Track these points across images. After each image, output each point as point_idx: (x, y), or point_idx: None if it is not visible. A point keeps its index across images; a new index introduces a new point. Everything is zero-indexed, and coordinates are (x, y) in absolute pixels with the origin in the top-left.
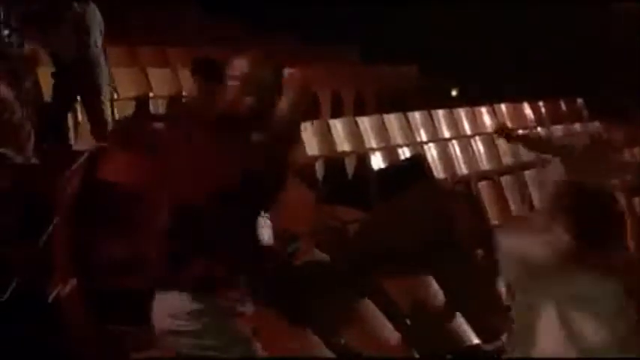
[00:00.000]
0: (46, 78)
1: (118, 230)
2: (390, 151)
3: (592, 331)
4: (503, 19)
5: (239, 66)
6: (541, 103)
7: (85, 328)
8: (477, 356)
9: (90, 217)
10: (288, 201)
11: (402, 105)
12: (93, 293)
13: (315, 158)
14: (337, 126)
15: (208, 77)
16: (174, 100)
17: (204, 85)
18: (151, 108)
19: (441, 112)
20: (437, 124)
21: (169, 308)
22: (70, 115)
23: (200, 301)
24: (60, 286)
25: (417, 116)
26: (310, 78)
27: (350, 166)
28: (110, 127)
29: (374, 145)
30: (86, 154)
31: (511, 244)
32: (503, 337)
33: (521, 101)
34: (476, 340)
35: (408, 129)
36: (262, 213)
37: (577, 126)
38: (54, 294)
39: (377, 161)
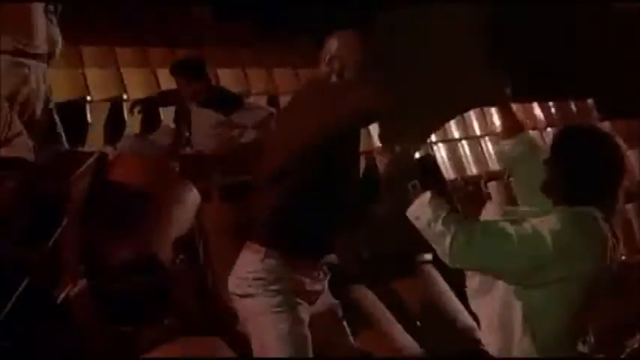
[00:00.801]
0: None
1: (128, 231)
2: None
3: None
4: (504, 18)
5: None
6: (551, 104)
7: (94, 329)
8: (487, 356)
9: (99, 218)
10: None
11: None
12: (102, 293)
13: None
14: None
15: (192, 77)
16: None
17: (187, 86)
18: None
19: None
20: (446, 124)
21: (243, 270)
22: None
23: (272, 272)
24: (69, 286)
25: None
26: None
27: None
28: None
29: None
30: (95, 155)
31: None
32: None
33: (530, 101)
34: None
35: None
36: None
37: None
38: (63, 294)
39: None
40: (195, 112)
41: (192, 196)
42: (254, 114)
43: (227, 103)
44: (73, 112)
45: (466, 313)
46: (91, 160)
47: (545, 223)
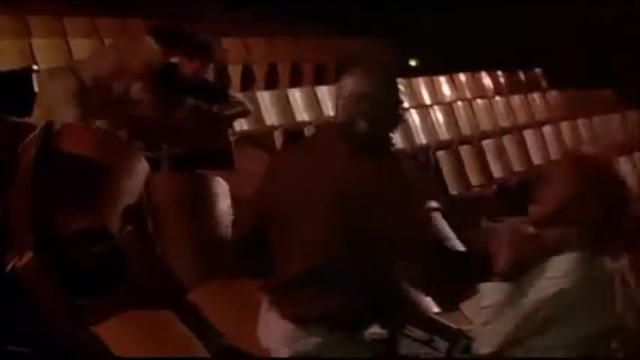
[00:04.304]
0: None
1: (76, 202)
2: None
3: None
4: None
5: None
6: (500, 73)
7: (42, 301)
8: (437, 327)
9: (47, 189)
10: (247, 170)
11: None
12: (51, 265)
13: (274, 128)
14: (296, 96)
15: (170, 45)
16: None
17: (164, 53)
18: None
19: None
20: None
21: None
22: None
23: None
24: (16, 258)
25: None
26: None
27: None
28: None
29: (332, 114)
30: (42, 125)
31: None
32: (463, 306)
33: (479, 70)
34: (436, 309)
35: None
36: None
37: (535, 95)
38: (9, 266)
39: None
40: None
41: (141, 166)
42: (230, 107)
43: (212, 95)
44: (19, 82)
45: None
46: (39, 129)
47: None
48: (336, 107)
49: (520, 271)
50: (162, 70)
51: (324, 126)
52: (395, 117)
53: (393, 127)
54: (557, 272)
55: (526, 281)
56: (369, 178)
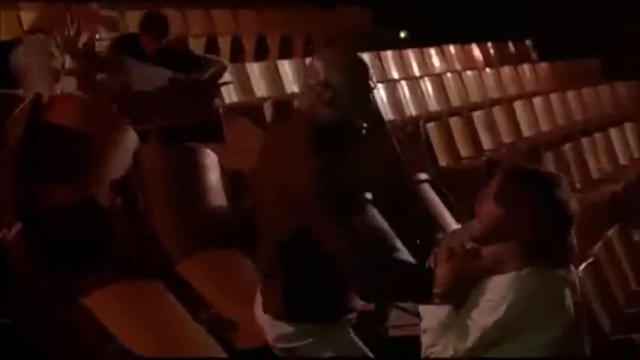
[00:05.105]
0: None
1: (65, 174)
2: None
3: None
4: None
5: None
6: (489, 44)
7: (31, 273)
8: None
9: (36, 161)
10: (237, 142)
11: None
12: (39, 237)
13: (263, 99)
14: (286, 67)
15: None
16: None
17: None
18: None
19: (390, 54)
20: (386, 66)
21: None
22: None
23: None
24: (4, 230)
25: (365, 57)
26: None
27: None
28: None
29: None
30: (30, 98)
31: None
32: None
33: (469, 42)
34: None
35: None
36: None
37: (525, 67)
38: None
39: None
40: (139, 67)
41: (131, 138)
42: (206, 69)
43: (186, 63)
44: (7, 54)
45: None
46: (27, 102)
47: None
48: (300, 94)
49: (459, 291)
50: (123, 39)
51: (295, 109)
52: (361, 104)
53: (359, 114)
54: (496, 295)
55: (468, 302)
56: (321, 169)
